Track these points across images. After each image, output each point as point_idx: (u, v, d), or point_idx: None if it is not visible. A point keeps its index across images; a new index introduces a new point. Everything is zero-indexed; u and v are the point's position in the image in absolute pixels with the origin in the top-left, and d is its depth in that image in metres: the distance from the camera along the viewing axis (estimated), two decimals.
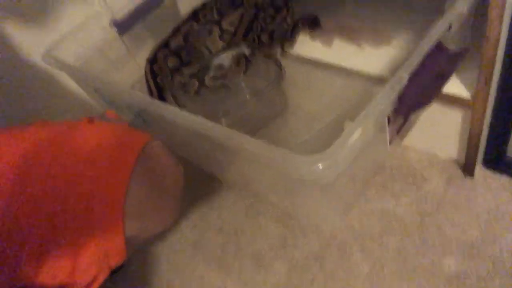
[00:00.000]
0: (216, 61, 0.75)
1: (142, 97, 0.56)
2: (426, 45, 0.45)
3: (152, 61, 0.81)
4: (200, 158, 0.71)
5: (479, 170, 0.69)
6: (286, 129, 0.72)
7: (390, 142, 0.54)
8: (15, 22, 0.74)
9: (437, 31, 0.46)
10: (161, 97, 0.78)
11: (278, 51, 0.80)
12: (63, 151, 0.41)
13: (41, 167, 0.40)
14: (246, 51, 0.75)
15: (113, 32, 0.79)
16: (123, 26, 0.79)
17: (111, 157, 0.41)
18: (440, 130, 0.71)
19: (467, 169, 0.69)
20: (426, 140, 0.74)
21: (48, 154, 0.41)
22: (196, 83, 0.74)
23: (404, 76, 0.42)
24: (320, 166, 0.37)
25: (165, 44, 0.83)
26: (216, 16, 0.88)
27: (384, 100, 0.41)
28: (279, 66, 0.66)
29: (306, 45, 0.80)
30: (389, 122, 0.49)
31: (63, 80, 0.81)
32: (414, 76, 0.45)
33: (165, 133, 0.66)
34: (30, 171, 0.39)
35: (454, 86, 0.60)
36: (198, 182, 0.82)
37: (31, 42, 0.76)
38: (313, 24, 0.78)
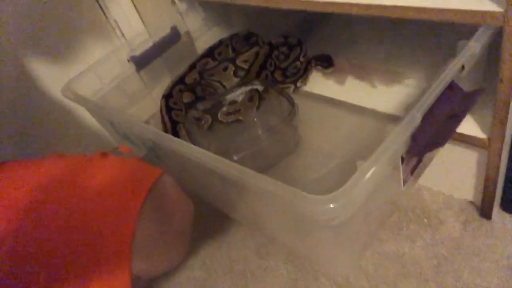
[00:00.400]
0: (230, 96, 0.76)
1: (155, 132, 0.56)
2: (439, 84, 0.45)
3: (168, 96, 0.83)
4: (211, 194, 0.71)
5: (497, 212, 0.67)
6: (298, 166, 0.72)
7: (404, 182, 0.53)
8: (37, 56, 0.77)
9: (450, 71, 0.46)
10: (175, 132, 0.79)
11: (291, 88, 0.81)
12: (75, 186, 0.42)
13: (52, 201, 0.40)
14: (260, 87, 0.76)
15: (131, 67, 0.81)
16: (140, 62, 0.81)
17: (121, 193, 0.41)
18: (456, 171, 0.69)
19: (484, 211, 0.67)
20: (441, 180, 0.72)
21: (60, 188, 0.41)
22: (210, 118, 0.75)
23: (417, 115, 0.42)
24: (332, 206, 0.36)
25: (181, 80, 0.86)
26: (231, 54, 0.91)
27: (397, 140, 0.41)
28: (292, 103, 0.66)
29: (319, 83, 0.82)
30: (402, 162, 0.48)
31: (81, 114, 0.83)
32: (427, 116, 0.45)
33: (177, 168, 0.66)
34: (42, 206, 0.39)
35: (469, 126, 0.59)
36: (208, 219, 0.81)
37: (52, 76, 0.79)
38: (326, 63, 0.79)
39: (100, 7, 0.84)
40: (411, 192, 0.74)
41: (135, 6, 0.88)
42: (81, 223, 0.39)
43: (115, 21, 0.86)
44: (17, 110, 0.77)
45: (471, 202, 0.70)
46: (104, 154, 0.47)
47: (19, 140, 0.79)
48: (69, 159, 0.47)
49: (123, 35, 0.88)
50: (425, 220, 0.70)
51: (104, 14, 0.85)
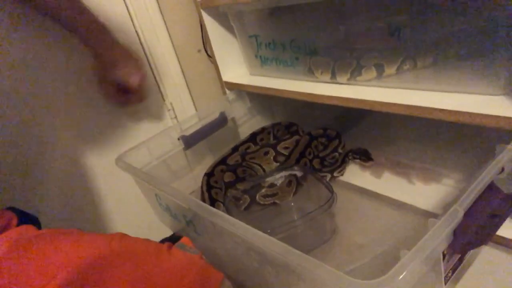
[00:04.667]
0: (269, 179, 0.79)
1: (199, 204, 0.59)
2: (480, 183, 0.47)
3: (210, 174, 0.87)
4: (246, 276, 0.70)
5: None
6: (332, 256, 0.71)
7: (446, 281, 0.51)
8: (95, 129, 0.85)
9: (489, 171, 0.48)
10: None
11: (327, 177, 0.84)
12: (143, 281, 0.42)
13: (108, 281, 0.40)
14: (299, 173, 0.79)
15: (180, 146, 0.88)
16: (189, 142, 0.87)
17: None
18: (498, 278, 0.66)
19: None
20: (482, 287, 0.69)
21: (123, 267, 0.41)
22: (248, 199, 0.77)
23: (459, 210, 0.43)
24: None
25: (223, 161, 0.91)
26: (272, 140, 0.97)
27: (440, 233, 0.41)
28: (331, 191, 0.68)
29: (356, 174, 0.84)
30: (444, 257, 0.48)
31: (128, 185, 0.87)
32: (469, 213, 0.45)
33: (214, 245, 0.67)
34: (96, 282, 0.40)
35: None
36: None
37: (106, 149, 0.86)
38: (365, 157, 0.82)
39: (160, 90, 0.94)
40: None
41: (190, 92, 0.98)
42: None
43: (171, 104, 0.96)
44: (70, 175, 0.83)
45: None
46: (170, 246, 0.48)
47: (66, 198, 0.83)
48: (139, 243, 0.47)
49: (175, 116, 0.97)
50: None
51: (162, 96, 0.95)
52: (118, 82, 0.76)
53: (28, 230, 0.45)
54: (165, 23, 0.91)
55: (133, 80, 0.75)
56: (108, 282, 0.39)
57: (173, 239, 0.54)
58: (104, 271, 0.40)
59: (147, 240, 0.48)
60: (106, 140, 0.87)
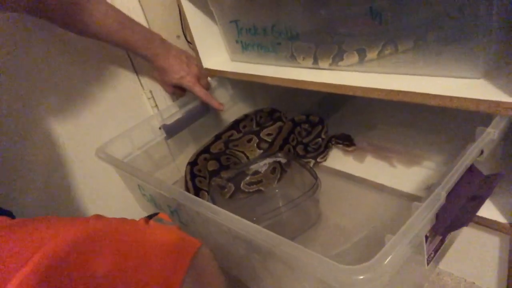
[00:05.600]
0: (253, 167, 0.79)
1: (184, 194, 0.59)
2: (461, 166, 0.48)
3: (193, 163, 0.86)
4: (233, 264, 0.70)
5: None
6: (317, 241, 0.72)
7: (428, 262, 0.53)
8: (75, 120, 0.83)
9: (470, 154, 0.49)
10: None
11: (311, 162, 0.84)
12: (120, 250, 0.41)
13: (90, 260, 0.39)
14: (283, 160, 0.79)
15: (162, 135, 0.86)
16: (171, 131, 0.86)
17: (164, 262, 0.41)
18: (478, 257, 0.68)
19: None
20: (462, 266, 0.71)
21: (103, 246, 0.41)
22: (232, 187, 0.77)
23: (442, 193, 0.44)
24: (361, 277, 0.36)
25: (206, 149, 0.90)
26: (255, 127, 0.96)
27: (423, 216, 0.42)
28: (315, 177, 0.69)
29: (338, 159, 0.85)
30: (426, 240, 0.49)
31: (110, 177, 0.86)
32: (450, 196, 0.46)
33: (200, 234, 0.67)
34: (77, 263, 0.39)
35: (490, 210, 0.60)
36: None
37: (87, 139, 0.84)
38: (348, 141, 0.83)
39: (138, 78, 0.92)
40: (432, 276, 0.73)
41: None
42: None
43: (151, 92, 0.93)
44: (50, 167, 0.81)
45: None
46: (146, 221, 0.48)
47: (45, 191, 0.81)
48: (112, 220, 0.47)
49: (156, 105, 0.95)
50: None
51: (141, 85, 0.93)
52: (175, 85, 0.87)
53: (1, 220, 0.44)
54: (142, 8, 0.88)
55: (198, 91, 0.86)
56: (89, 261, 0.39)
57: (150, 216, 0.54)
58: (84, 251, 0.39)
59: (123, 218, 0.47)
60: (86, 131, 0.85)
